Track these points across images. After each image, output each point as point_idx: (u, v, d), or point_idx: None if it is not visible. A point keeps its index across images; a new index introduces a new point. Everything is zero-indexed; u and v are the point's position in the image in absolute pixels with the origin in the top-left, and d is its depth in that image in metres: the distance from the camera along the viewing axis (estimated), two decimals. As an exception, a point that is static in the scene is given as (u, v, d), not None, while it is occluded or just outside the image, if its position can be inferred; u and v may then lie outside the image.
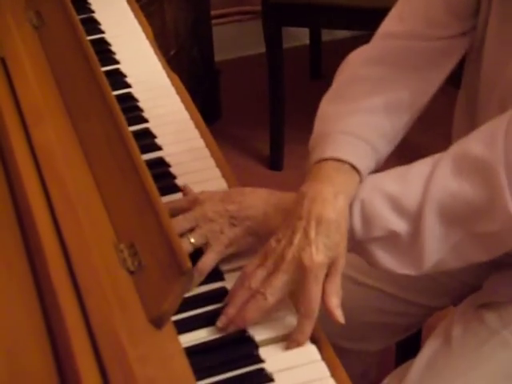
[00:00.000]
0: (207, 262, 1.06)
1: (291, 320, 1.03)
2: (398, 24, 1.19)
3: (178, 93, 1.42)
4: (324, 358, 1.00)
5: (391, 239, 1.02)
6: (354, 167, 1.06)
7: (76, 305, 0.71)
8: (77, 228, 0.79)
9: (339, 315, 1.01)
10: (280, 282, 0.99)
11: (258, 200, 1.06)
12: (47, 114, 0.95)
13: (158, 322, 0.85)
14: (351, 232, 1.03)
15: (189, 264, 0.86)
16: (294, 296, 1.02)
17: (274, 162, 2.52)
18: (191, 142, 1.31)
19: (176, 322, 0.96)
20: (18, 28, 1.14)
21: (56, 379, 0.64)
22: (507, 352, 1.13)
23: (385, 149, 1.13)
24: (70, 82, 1.15)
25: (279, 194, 1.09)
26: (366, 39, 1.27)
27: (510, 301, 1.16)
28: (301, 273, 0.99)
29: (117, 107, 1.07)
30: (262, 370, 0.98)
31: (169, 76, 1.46)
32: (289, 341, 0.99)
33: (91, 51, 1.16)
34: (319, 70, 2.86)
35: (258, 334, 1.01)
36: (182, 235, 1.06)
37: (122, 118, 1.05)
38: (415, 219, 1.00)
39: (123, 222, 0.94)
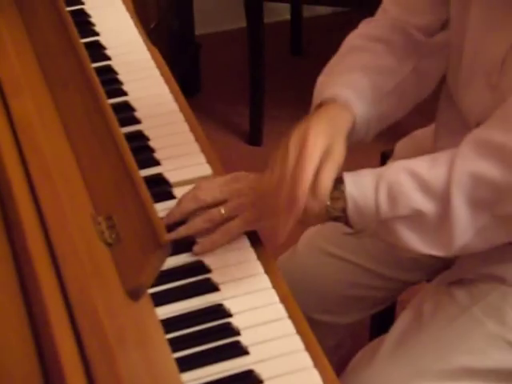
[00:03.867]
0: (234, 225, 1.08)
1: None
2: (391, 7, 1.25)
3: (158, 66, 1.42)
4: (299, 332, 1.01)
5: (417, 219, 1.03)
6: (349, 107, 1.11)
7: (53, 273, 0.71)
8: (54, 198, 0.79)
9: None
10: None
11: None
12: (26, 86, 0.94)
13: (134, 294, 0.86)
14: (377, 211, 1.04)
15: (166, 237, 0.87)
16: None
17: (254, 138, 2.52)
18: (170, 115, 1.31)
19: (153, 295, 0.98)
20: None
21: (32, 346, 0.64)
22: (477, 328, 1.15)
23: (375, 105, 1.15)
24: (49, 54, 1.14)
25: None
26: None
27: (479, 278, 1.18)
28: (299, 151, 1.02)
29: (96, 79, 1.07)
30: (238, 342, 0.99)
31: (149, 49, 1.45)
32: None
33: (71, 22, 1.16)
34: (300, 46, 2.85)
35: (234, 307, 1.02)
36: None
37: (100, 90, 1.06)
38: (442, 201, 1.02)
39: (101, 195, 0.95)
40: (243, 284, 1.06)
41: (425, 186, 1.03)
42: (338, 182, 1.05)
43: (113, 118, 1.01)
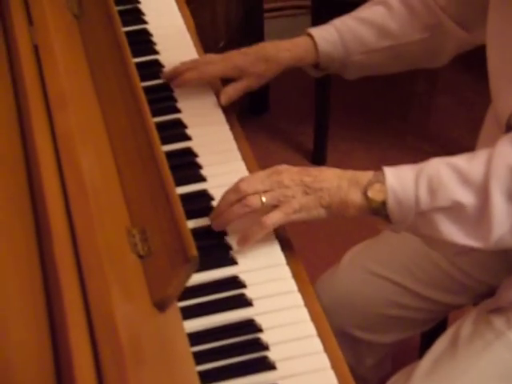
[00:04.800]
0: (273, 217, 1.11)
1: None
2: None
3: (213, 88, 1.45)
4: (326, 350, 1.03)
5: (457, 210, 1.05)
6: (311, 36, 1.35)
7: (76, 281, 0.75)
8: (86, 210, 0.83)
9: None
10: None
11: (333, 175, 1.11)
12: (72, 101, 0.99)
13: (161, 306, 0.89)
14: (416, 202, 1.06)
15: (194, 251, 0.90)
16: None
17: (317, 157, 2.54)
18: (220, 133, 1.35)
19: (183, 308, 1.01)
20: (56, 17, 1.18)
21: (48, 348, 0.68)
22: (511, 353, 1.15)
23: (356, 52, 1.37)
24: (102, 70, 1.19)
25: (353, 171, 1.13)
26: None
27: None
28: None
29: (143, 98, 1.11)
30: (265, 357, 1.01)
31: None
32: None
33: (125, 42, 1.21)
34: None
35: (265, 323, 1.05)
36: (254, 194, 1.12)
37: (146, 108, 1.09)
38: (481, 193, 1.04)
39: (138, 209, 0.99)
40: (276, 301, 1.08)
41: (464, 179, 1.05)
42: (379, 175, 1.08)
43: (155, 136, 1.05)
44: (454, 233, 1.06)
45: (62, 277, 0.73)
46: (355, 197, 1.08)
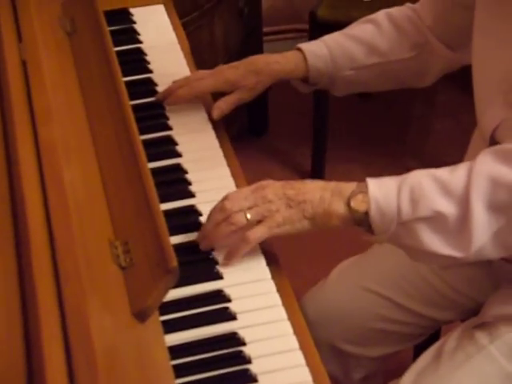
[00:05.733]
0: (257, 232, 1.12)
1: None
2: (419, 5, 1.41)
3: (204, 104, 1.47)
4: (308, 364, 1.03)
5: (438, 220, 1.06)
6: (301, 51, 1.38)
7: (52, 289, 0.76)
8: (66, 221, 0.84)
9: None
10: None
11: (316, 187, 1.13)
12: (58, 116, 1.00)
13: (140, 316, 0.90)
14: (398, 213, 1.07)
15: (174, 263, 0.91)
16: None
17: (315, 178, 2.54)
18: (210, 150, 1.36)
19: (167, 322, 1.02)
20: (47, 34, 1.20)
21: (22, 358, 0.69)
22: (492, 365, 1.16)
23: (345, 68, 1.39)
24: (92, 86, 1.21)
25: (336, 182, 1.14)
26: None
27: (500, 319, 1.18)
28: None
29: (130, 115, 1.12)
30: (247, 370, 1.02)
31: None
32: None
33: (114, 59, 1.23)
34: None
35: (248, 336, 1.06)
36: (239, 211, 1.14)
37: (133, 124, 1.11)
38: (462, 203, 1.05)
39: (122, 221, 1.00)
40: (260, 314, 1.09)
41: (446, 189, 1.06)
42: (362, 185, 1.09)
43: (141, 150, 1.06)
44: (434, 243, 1.07)
45: (38, 284, 0.74)
46: (338, 207, 1.09)
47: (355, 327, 1.37)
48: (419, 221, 1.06)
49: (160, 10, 1.72)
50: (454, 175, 1.07)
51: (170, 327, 1.04)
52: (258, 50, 2.70)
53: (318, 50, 1.39)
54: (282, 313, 1.09)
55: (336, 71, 1.39)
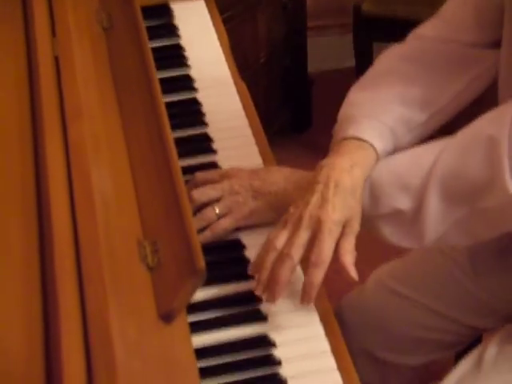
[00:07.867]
0: (223, 224, 1.14)
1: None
2: (431, 28, 1.26)
3: (242, 100, 1.45)
4: (340, 368, 1.01)
5: (396, 216, 1.07)
6: (372, 146, 1.12)
7: (75, 292, 0.75)
8: (91, 221, 0.83)
9: (353, 271, 1.05)
10: (301, 239, 1.04)
11: (281, 178, 1.15)
12: (89, 112, 0.99)
13: (167, 318, 0.89)
14: (361, 209, 1.08)
15: (202, 264, 0.90)
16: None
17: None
18: (245, 147, 1.34)
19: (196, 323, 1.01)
20: (82, 29, 1.19)
21: (41, 359, 0.68)
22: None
23: (404, 136, 1.18)
24: (126, 82, 1.20)
25: (302, 172, 1.16)
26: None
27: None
28: (317, 227, 1.03)
29: (164, 112, 1.11)
30: (277, 374, 1.00)
31: (236, 84, 1.49)
32: (301, 294, 1.04)
33: (150, 55, 1.21)
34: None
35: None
36: (208, 205, 1.15)
37: (166, 121, 1.09)
38: (418, 196, 1.05)
39: (151, 220, 0.98)
40: (290, 316, 1.07)
41: (404, 185, 1.06)
42: None
43: (172, 149, 1.04)
44: (394, 237, 1.08)
45: (59, 284, 0.73)
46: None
47: (395, 335, 1.35)
48: (380, 217, 1.08)
49: (200, 5, 1.71)
50: (415, 168, 1.06)
51: (198, 328, 1.03)
52: (302, 45, 2.67)
53: (388, 146, 1.17)
54: (313, 315, 1.07)
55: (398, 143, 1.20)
